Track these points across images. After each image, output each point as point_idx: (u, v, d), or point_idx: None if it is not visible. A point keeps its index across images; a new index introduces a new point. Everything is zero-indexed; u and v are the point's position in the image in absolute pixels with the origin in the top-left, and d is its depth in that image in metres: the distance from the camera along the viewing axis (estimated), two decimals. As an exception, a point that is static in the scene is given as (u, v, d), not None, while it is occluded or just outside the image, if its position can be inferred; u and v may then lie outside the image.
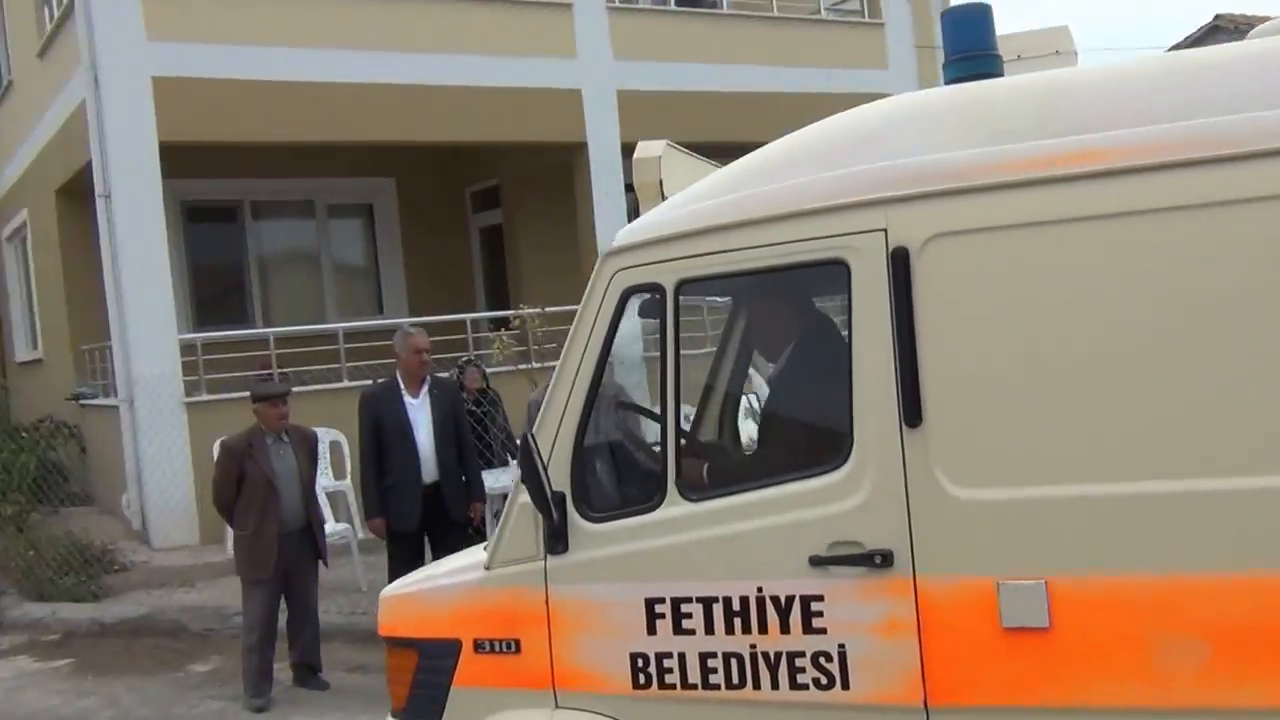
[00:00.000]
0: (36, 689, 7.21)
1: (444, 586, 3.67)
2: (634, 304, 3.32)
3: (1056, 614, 2.81)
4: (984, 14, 3.38)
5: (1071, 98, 3.00)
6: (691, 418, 4.09)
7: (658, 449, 3.29)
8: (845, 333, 3.09)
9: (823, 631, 3.03)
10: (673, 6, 13.66)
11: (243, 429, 6.78)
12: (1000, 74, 3.30)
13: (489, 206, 14.62)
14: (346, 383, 10.76)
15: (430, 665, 3.56)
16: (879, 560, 2.96)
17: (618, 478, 3.69)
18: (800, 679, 3.06)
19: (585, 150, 12.60)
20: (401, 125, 11.72)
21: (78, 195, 11.92)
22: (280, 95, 10.98)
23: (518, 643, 3.41)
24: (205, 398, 10.42)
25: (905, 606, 2.94)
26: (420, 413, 6.73)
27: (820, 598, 3.03)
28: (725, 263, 3.17)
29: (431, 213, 14.43)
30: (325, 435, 8.83)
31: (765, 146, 3.32)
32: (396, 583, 4.01)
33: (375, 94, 11.42)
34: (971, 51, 3.31)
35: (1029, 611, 2.82)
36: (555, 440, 3.34)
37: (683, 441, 3.33)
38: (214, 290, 13.55)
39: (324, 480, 7.87)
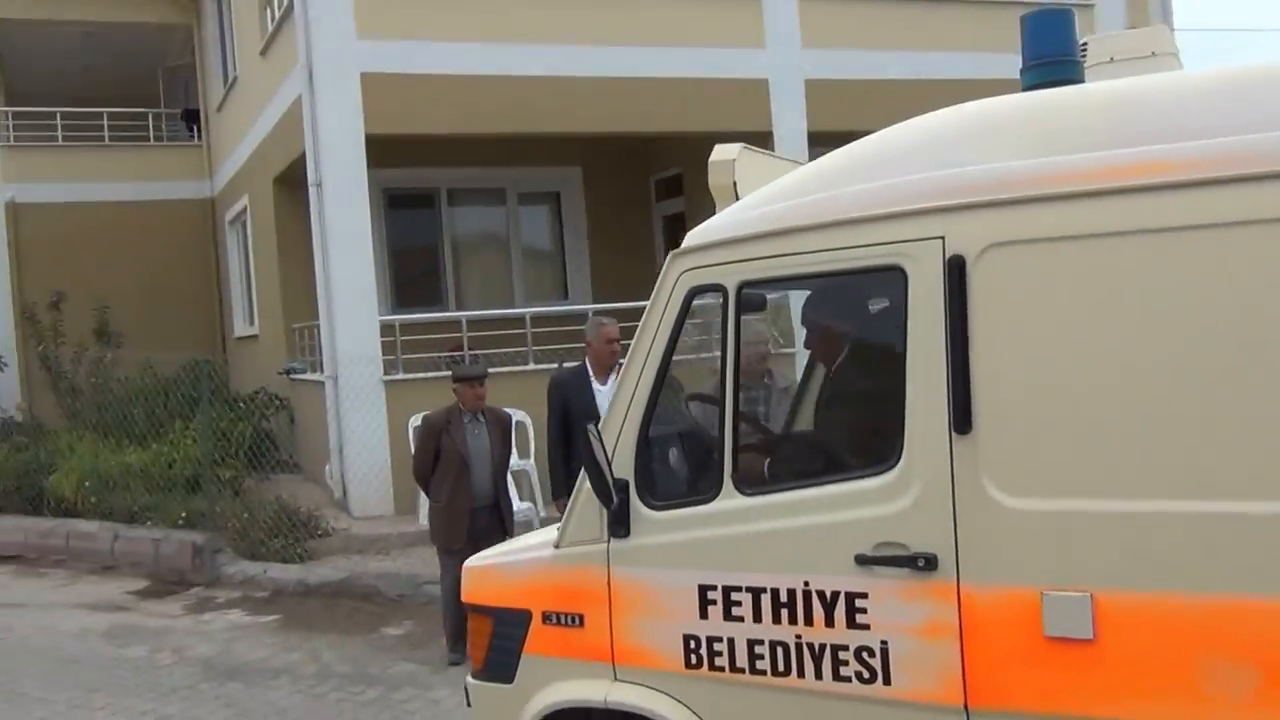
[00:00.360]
0: (248, 641, 7.82)
1: (518, 561, 3.91)
2: (699, 303, 3.41)
3: (1101, 627, 2.79)
4: (1064, 19, 3.32)
5: (1137, 108, 2.93)
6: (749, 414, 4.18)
7: (717, 443, 3.37)
8: (901, 338, 3.10)
9: (866, 628, 3.08)
10: (862, -8, 13.47)
11: (436, 407, 7.15)
12: (1080, 80, 3.24)
13: (672, 195, 14.81)
14: (532, 365, 11.14)
15: (504, 632, 3.79)
16: (922, 564, 2.99)
17: (679, 469, 3.80)
18: (843, 671, 3.12)
19: (771, 140, 12.58)
20: (590, 117, 11.99)
21: (292, 184, 12.70)
22: (476, 89, 11.40)
23: (582, 617, 3.59)
24: (401, 376, 10.97)
25: (948, 610, 2.96)
26: (608, 399, 6.91)
27: (865, 595, 3.09)
28: (785, 266, 3.24)
29: (616, 201, 14.73)
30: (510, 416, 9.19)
31: (834, 152, 3.34)
32: (479, 555, 4.26)
33: (565, 87, 11.73)
34: (1050, 57, 3.26)
35: (1073, 623, 2.81)
36: (621, 430, 3.50)
37: (741, 437, 3.44)
38: (411, 273, 14.22)
39: (515, 458, 8.18)
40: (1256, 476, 2.65)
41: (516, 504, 8.28)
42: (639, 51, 12.00)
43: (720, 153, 3.79)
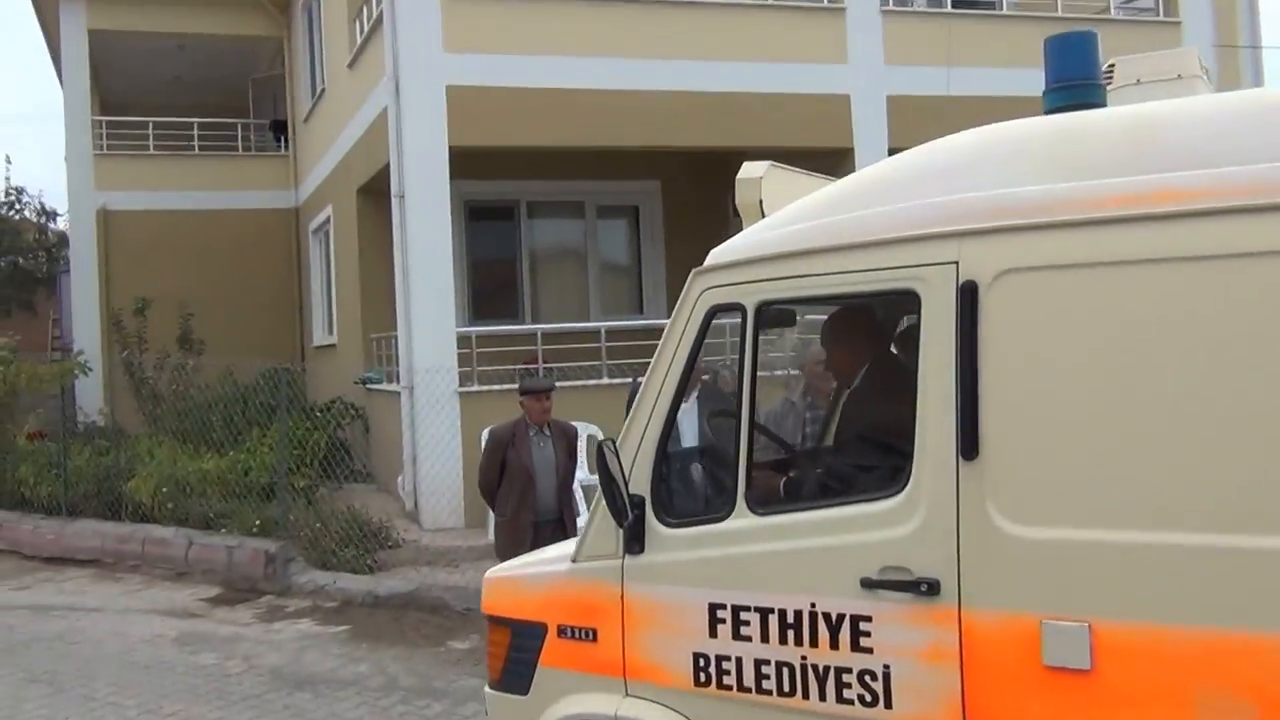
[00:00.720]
0: (317, 651, 7.90)
1: (536, 574, 3.97)
2: (719, 321, 3.44)
3: (1099, 657, 2.77)
4: (1087, 42, 3.30)
5: (1159, 134, 2.86)
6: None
7: (733, 462, 3.38)
8: (913, 362, 3.10)
9: (869, 651, 3.09)
10: (948, 8, 13.31)
11: (509, 419, 7.17)
12: (1101, 104, 3.20)
13: (752, 211, 14.72)
14: (606, 380, 11.14)
15: (520, 644, 3.86)
16: (925, 588, 2.98)
17: (694, 486, 3.83)
18: (846, 694, 3.14)
19: (852, 156, 12.47)
20: (670, 131, 12.00)
21: (376, 195, 12.89)
22: (558, 102, 11.48)
23: (595, 632, 3.62)
24: (476, 388, 11.05)
25: (949, 635, 2.96)
26: (688, 418, 6.88)
27: (869, 619, 3.09)
28: (803, 287, 3.26)
29: (694, 216, 14.67)
30: (583, 429, 9.16)
31: (856, 172, 3.37)
32: (498, 567, 4.31)
33: (645, 101, 11.76)
34: (1072, 80, 3.24)
35: (1071, 652, 2.80)
36: (639, 447, 3.51)
37: (756, 456, 3.45)
38: (489, 284, 14.33)
39: (580, 473, 8.19)
40: (1259, 511, 2.61)
41: (584, 517, 8.25)
42: (720, 66, 11.99)
43: (747, 170, 3.81)
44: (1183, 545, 2.68)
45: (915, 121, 12.29)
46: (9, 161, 37.68)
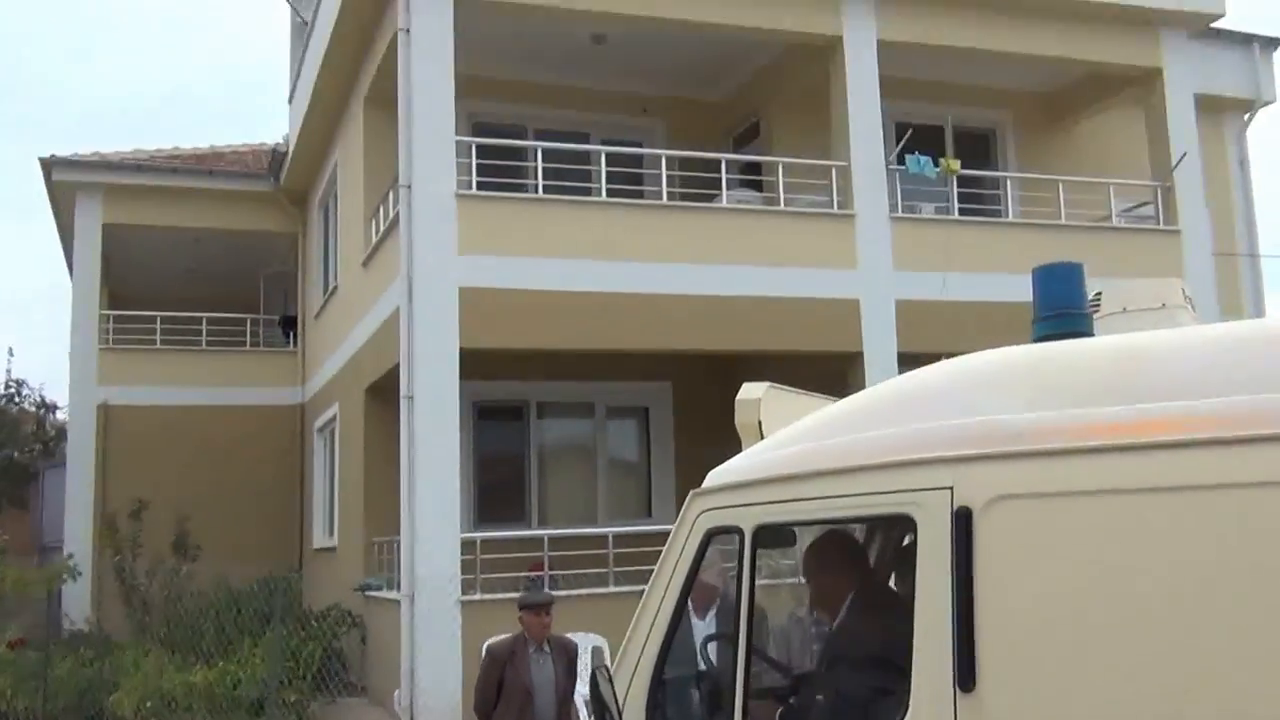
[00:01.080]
0: None
1: None
2: (716, 544, 3.50)
3: None
4: (1074, 272, 3.48)
5: (1145, 363, 2.99)
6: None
7: (729, 689, 3.36)
8: (910, 590, 3.11)
9: None
10: (954, 215, 13.82)
11: (508, 635, 7.12)
12: (1089, 332, 3.37)
13: (763, 412, 14.91)
14: (613, 587, 11.08)
15: None
16: None
17: (691, 711, 3.79)
18: None
19: (861, 361, 12.75)
20: (680, 334, 12.34)
21: (384, 394, 13.12)
22: (569, 305, 11.85)
23: None
24: (479, 597, 10.99)
25: None
26: (707, 632, 6.83)
27: None
28: (800, 511, 3.33)
29: (704, 418, 14.82)
30: (586, 640, 9.07)
31: (853, 395, 3.47)
32: None
33: (657, 304, 12.13)
34: (1061, 309, 3.41)
35: None
36: (634, 672, 3.50)
37: (753, 684, 3.43)
38: (495, 483, 14.43)
39: (582, 688, 8.07)
40: None
41: (590, 735, 8.08)
42: (731, 270, 12.41)
43: (746, 391, 4.01)
44: None
45: (924, 326, 12.69)
46: (11, 354, 38.44)
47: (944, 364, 3.32)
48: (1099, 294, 3.67)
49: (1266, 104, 17.09)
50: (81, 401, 18.78)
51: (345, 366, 15.49)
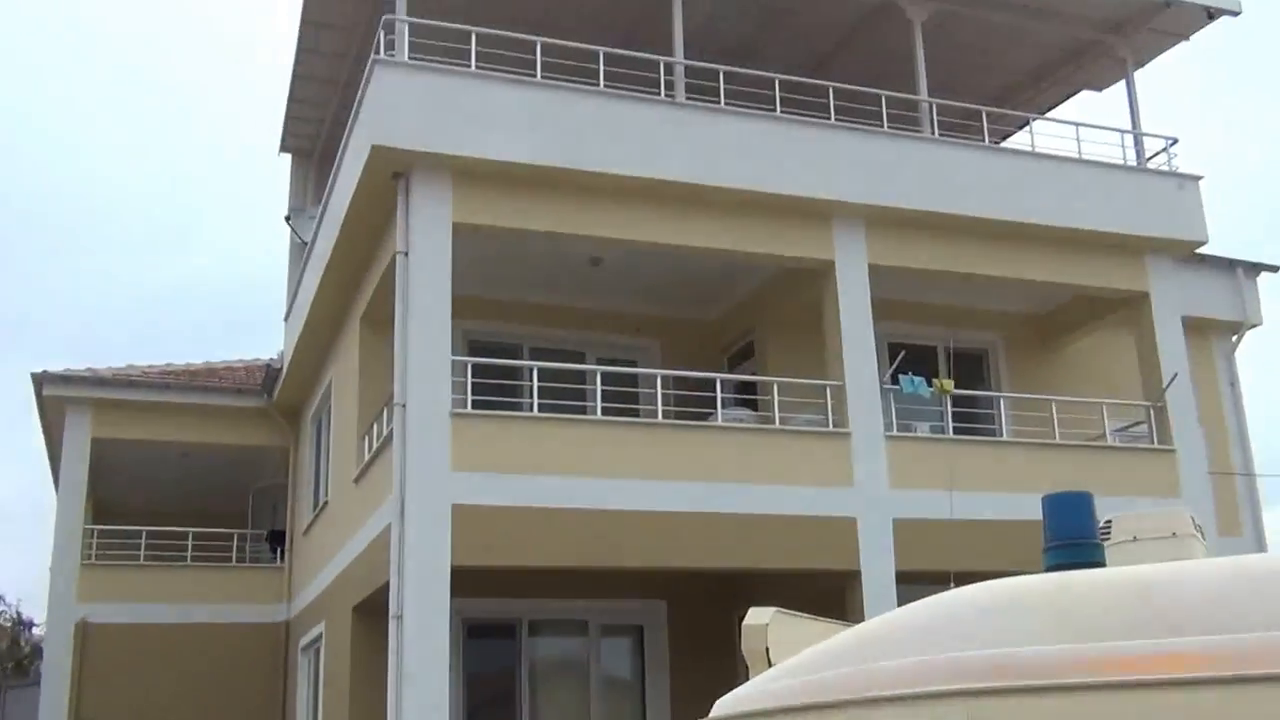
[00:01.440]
0: None
1: None
2: None
3: None
4: (1084, 501, 3.55)
5: (1163, 596, 3.03)
6: None
7: None
8: None
9: None
10: (950, 434, 14.25)
11: None
12: (1100, 561, 3.43)
13: (760, 631, 14.95)
14: (607, 819, 10.92)
15: None
16: None
17: None
18: None
19: (859, 579, 12.93)
20: (675, 551, 12.59)
21: (372, 613, 13.21)
22: (563, 522, 12.13)
23: None
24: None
25: None
26: None
27: None
28: None
29: (700, 637, 14.94)
30: None
31: (864, 623, 3.52)
32: None
33: (651, 521, 12.42)
34: (1072, 539, 3.47)
35: None
36: None
37: None
38: (485, 704, 14.37)
39: None
40: None
41: None
42: (726, 488, 12.76)
43: (753, 617, 4.03)
44: None
45: (921, 545, 12.94)
46: (-13, 568, 38.15)
47: (958, 593, 3.38)
48: (1109, 522, 3.79)
49: (1253, 326, 17.87)
50: (59, 618, 18.75)
51: (333, 584, 15.60)
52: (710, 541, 12.63)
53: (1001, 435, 14.61)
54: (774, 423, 13.56)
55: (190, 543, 19.90)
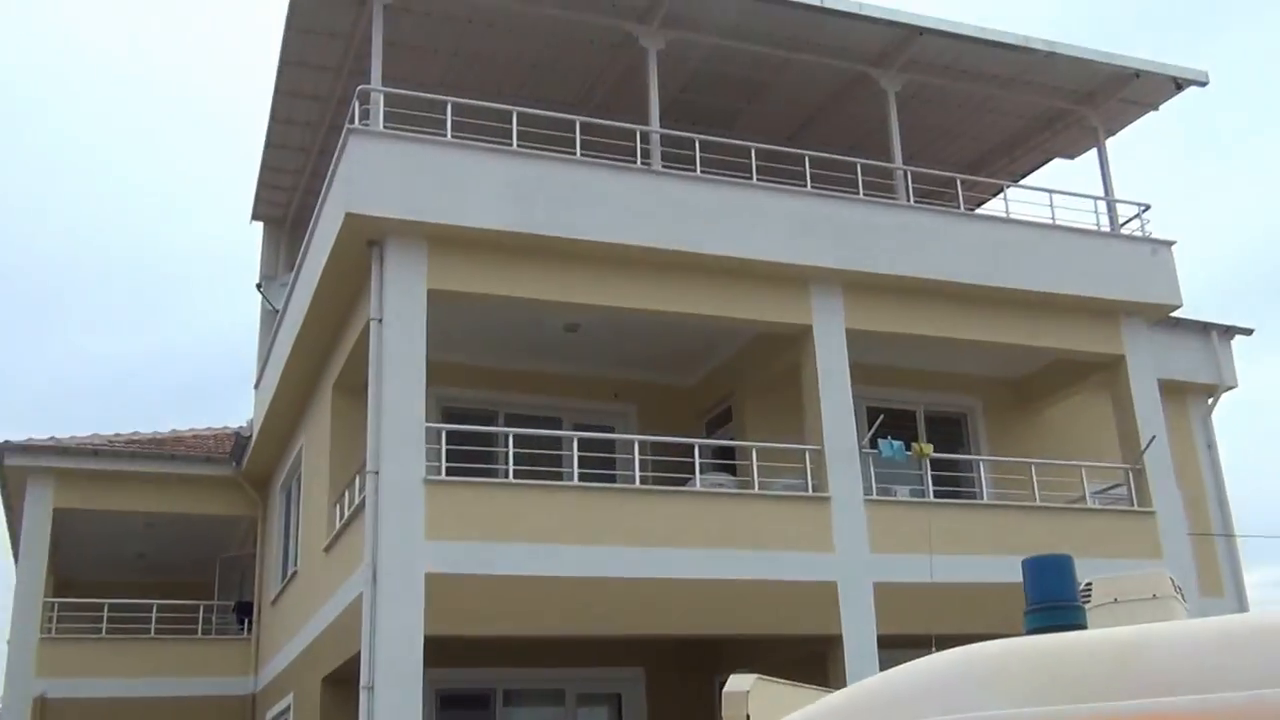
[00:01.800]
0: None
1: None
2: None
3: None
4: (1064, 564, 3.61)
5: (1145, 657, 3.08)
6: None
7: None
8: None
9: None
10: (930, 498, 14.37)
11: None
12: (1082, 624, 3.50)
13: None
14: None
15: None
16: None
17: None
18: None
19: (841, 643, 12.96)
20: (653, 619, 12.58)
21: (342, 684, 13.11)
22: (539, 590, 12.11)
23: None
24: None
25: None
26: None
27: None
28: None
29: (679, 704, 14.89)
30: None
31: (842, 690, 3.55)
32: None
33: (628, 588, 12.43)
34: (1052, 601, 3.52)
35: None
36: None
37: None
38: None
39: None
40: None
41: None
42: (704, 554, 12.80)
43: (734, 684, 4.10)
44: None
45: (903, 609, 13.00)
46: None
47: (939, 657, 3.42)
48: (1089, 584, 3.86)
49: (1229, 388, 18.18)
50: (17, 695, 18.42)
51: (302, 655, 15.46)
52: (690, 608, 12.64)
53: (981, 498, 14.75)
54: (753, 488, 13.64)
55: (154, 614, 19.64)
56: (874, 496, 14.03)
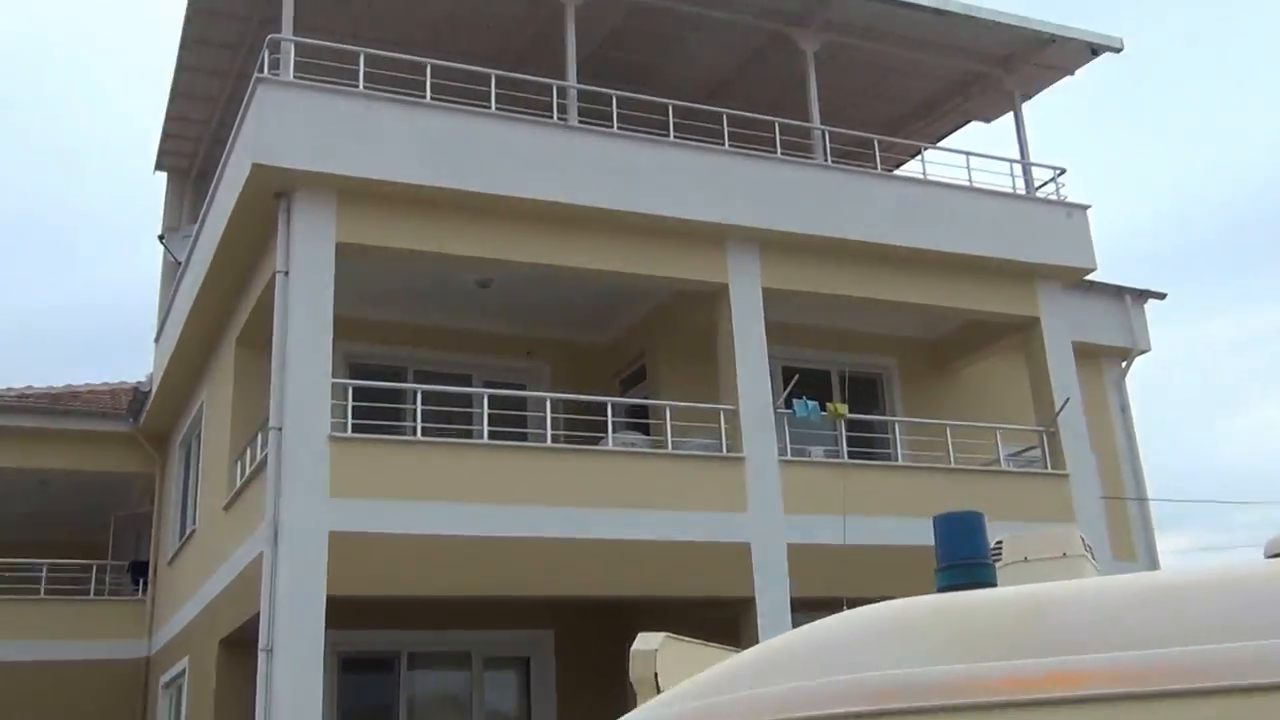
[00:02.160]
0: None
1: None
2: None
3: None
4: (975, 522, 3.62)
5: (1051, 615, 3.11)
6: None
7: None
8: None
9: None
10: (844, 459, 14.42)
11: None
12: (992, 582, 3.51)
13: (652, 666, 14.90)
14: None
15: None
16: None
17: None
18: None
19: (753, 606, 12.96)
20: (564, 580, 12.44)
21: (241, 646, 12.81)
22: (446, 550, 11.91)
23: None
24: None
25: None
26: None
27: None
28: None
29: (590, 667, 14.79)
30: None
31: (754, 647, 3.49)
32: None
33: (539, 549, 12.26)
34: (962, 560, 3.54)
35: None
36: None
37: None
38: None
39: None
40: None
41: None
42: (616, 514, 12.69)
43: (642, 642, 4.02)
44: None
45: (816, 570, 13.02)
46: None
47: (846, 615, 3.39)
48: (1000, 543, 3.85)
49: (1142, 352, 18.49)
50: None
51: (199, 616, 15.09)
52: (600, 569, 12.53)
53: (896, 460, 14.82)
54: (667, 447, 13.56)
55: (44, 575, 19.07)
56: (789, 457, 14.03)
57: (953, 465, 14.61)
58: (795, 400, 14.26)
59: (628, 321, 15.99)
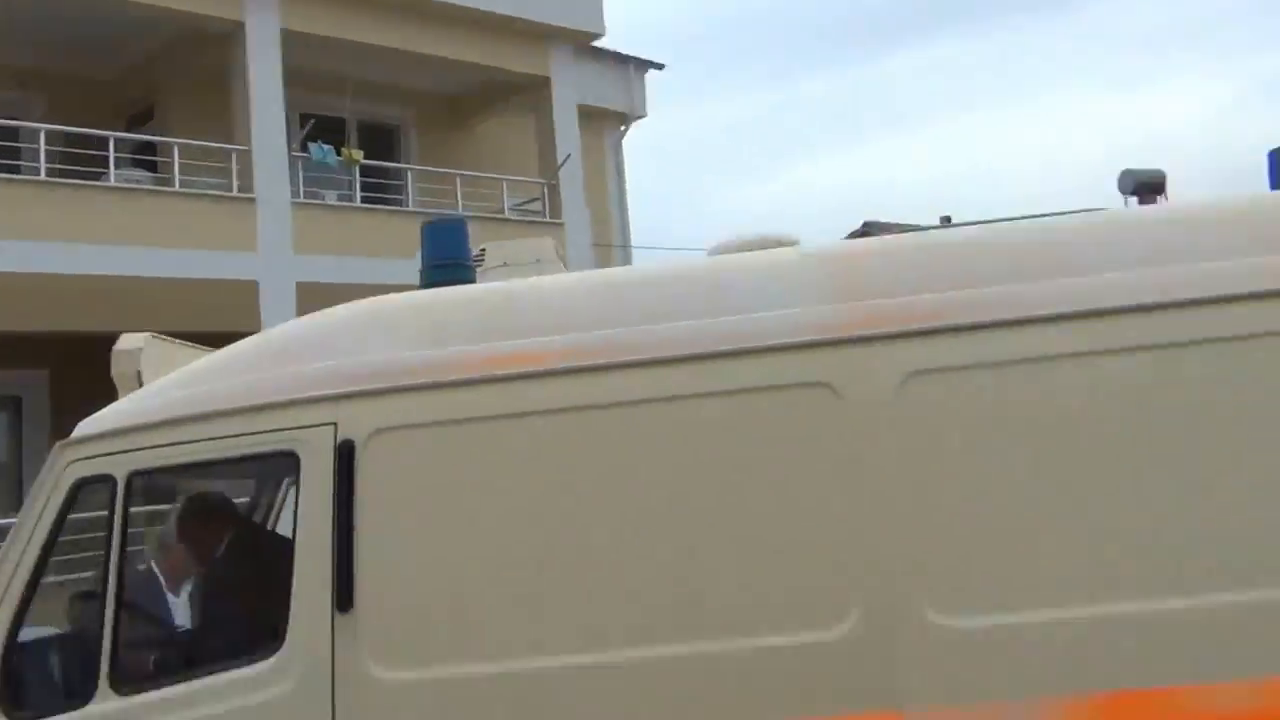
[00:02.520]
0: None
1: None
2: (86, 494, 3.54)
3: None
4: (459, 227, 4.04)
5: (513, 306, 3.58)
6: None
7: (96, 644, 3.41)
8: (291, 523, 3.44)
9: None
10: (357, 203, 14.91)
11: None
12: (472, 280, 3.92)
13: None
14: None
15: None
16: None
17: (53, 674, 3.83)
18: None
19: (261, 342, 13.37)
20: (60, 316, 12.17)
21: None
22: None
23: None
24: None
25: None
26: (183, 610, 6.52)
27: None
28: (180, 454, 3.47)
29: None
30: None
31: (238, 341, 3.77)
32: None
33: (34, 284, 11.89)
34: (446, 260, 3.92)
35: None
36: None
37: (122, 635, 3.46)
38: None
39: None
40: (639, 625, 3.20)
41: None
42: (117, 250, 12.46)
43: (125, 341, 4.17)
44: (564, 666, 3.20)
45: (324, 307, 13.59)
46: None
47: (331, 310, 3.67)
48: (484, 250, 4.22)
49: (639, 118, 20.04)
50: None
51: None
52: (99, 305, 12.31)
53: (408, 206, 15.47)
54: (173, 185, 13.40)
55: None
56: (301, 200, 14.30)
57: (460, 213, 15.47)
58: (311, 144, 14.47)
59: (134, 58, 15.18)
